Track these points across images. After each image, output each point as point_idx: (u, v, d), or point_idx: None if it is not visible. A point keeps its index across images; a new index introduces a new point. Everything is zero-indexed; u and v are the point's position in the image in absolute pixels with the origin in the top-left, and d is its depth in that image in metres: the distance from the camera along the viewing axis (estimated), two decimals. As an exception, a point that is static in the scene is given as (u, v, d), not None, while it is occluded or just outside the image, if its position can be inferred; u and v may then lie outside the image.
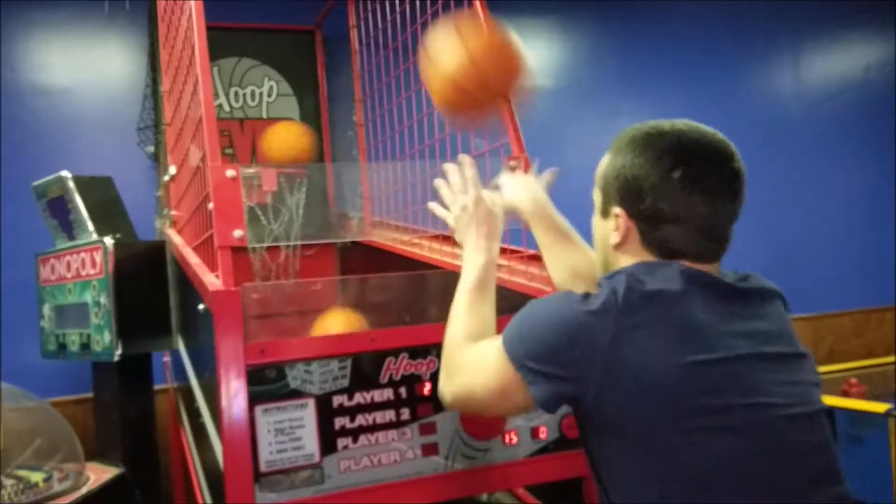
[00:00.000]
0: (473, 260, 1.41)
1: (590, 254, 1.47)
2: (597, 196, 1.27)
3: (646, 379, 1.02)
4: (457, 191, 1.50)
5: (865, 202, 4.30)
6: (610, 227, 1.21)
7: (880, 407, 2.46)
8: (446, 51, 1.55)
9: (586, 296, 1.10)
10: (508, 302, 1.68)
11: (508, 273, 1.82)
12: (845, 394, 2.78)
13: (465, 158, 1.51)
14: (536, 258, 1.74)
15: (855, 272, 4.20)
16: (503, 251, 1.88)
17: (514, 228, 1.68)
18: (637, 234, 1.17)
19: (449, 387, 1.27)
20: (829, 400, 2.67)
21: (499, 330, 1.25)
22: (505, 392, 1.15)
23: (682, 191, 1.12)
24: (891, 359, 3.74)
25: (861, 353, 4.11)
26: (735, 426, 1.02)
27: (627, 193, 1.17)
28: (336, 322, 1.85)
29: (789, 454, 1.04)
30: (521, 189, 1.61)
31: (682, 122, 1.19)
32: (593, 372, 1.05)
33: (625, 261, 1.20)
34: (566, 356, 1.07)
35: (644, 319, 1.04)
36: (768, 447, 1.03)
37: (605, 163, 1.24)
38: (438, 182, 1.55)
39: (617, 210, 1.19)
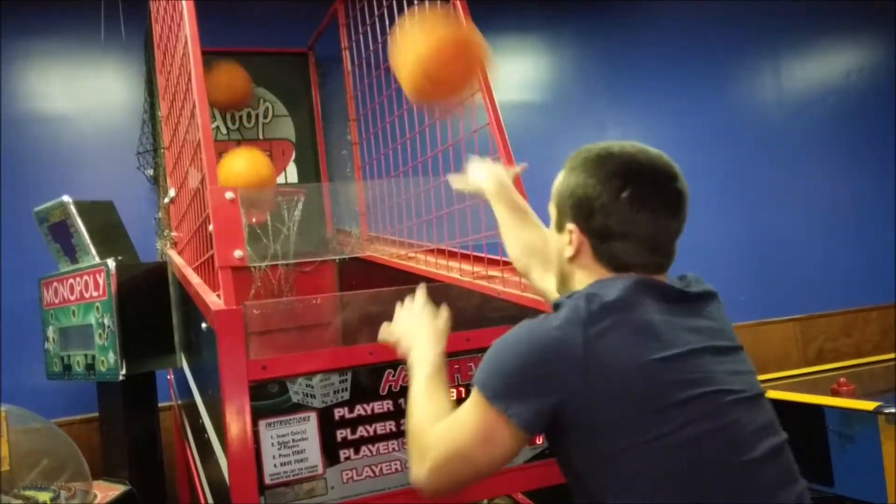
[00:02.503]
0: (423, 355, 1.43)
1: (545, 232, 1.56)
2: (552, 211, 1.34)
3: (619, 380, 1.09)
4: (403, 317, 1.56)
5: (851, 204, 4.35)
6: (564, 241, 1.28)
7: (869, 405, 2.49)
8: (413, 41, 1.67)
9: (546, 317, 1.16)
10: (505, 312, 1.73)
11: (502, 284, 1.88)
12: (835, 392, 2.81)
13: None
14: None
15: (842, 273, 4.26)
16: (496, 263, 1.94)
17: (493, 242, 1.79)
18: (589, 248, 1.25)
19: (423, 468, 1.22)
20: (820, 399, 2.71)
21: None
22: (489, 436, 1.15)
23: (629, 210, 1.20)
24: (878, 357, 3.78)
25: (850, 352, 4.16)
26: (697, 414, 1.09)
27: (579, 211, 1.25)
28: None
29: (743, 433, 1.12)
30: (486, 172, 1.73)
31: (630, 145, 1.26)
32: (573, 379, 1.10)
33: (578, 272, 1.27)
34: (542, 371, 1.12)
35: (607, 326, 1.11)
36: (726, 429, 1.10)
37: (559, 180, 1.31)
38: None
39: (570, 226, 1.26)
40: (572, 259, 1.28)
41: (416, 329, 1.50)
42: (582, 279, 1.26)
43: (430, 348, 1.44)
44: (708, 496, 1.08)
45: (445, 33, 1.69)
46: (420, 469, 1.23)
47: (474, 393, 1.18)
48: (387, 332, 1.55)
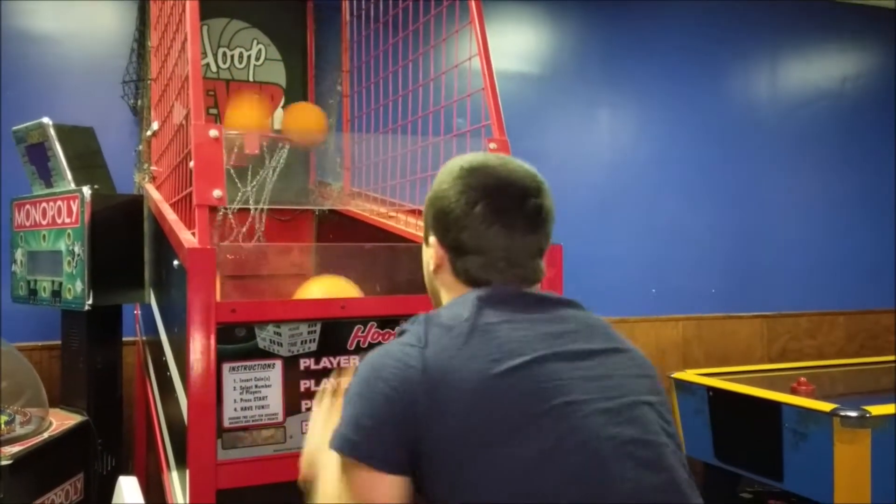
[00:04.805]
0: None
1: None
2: (423, 222, 1.30)
3: (462, 397, 1.03)
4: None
5: (831, 209, 4.38)
6: (428, 254, 1.26)
7: (826, 406, 2.54)
8: None
9: (386, 347, 1.12)
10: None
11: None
12: (794, 391, 2.86)
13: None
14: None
15: (813, 275, 4.29)
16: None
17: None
18: (448, 263, 1.22)
19: None
20: (779, 396, 2.76)
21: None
22: (365, 496, 1.05)
23: (481, 224, 1.17)
24: (840, 360, 3.85)
25: (812, 353, 4.22)
26: (544, 429, 1.02)
27: (438, 223, 1.22)
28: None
29: (602, 448, 1.03)
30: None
31: (496, 157, 1.24)
32: (420, 399, 1.04)
33: (442, 290, 1.24)
34: (392, 404, 1.05)
35: (445, 345, 1.07)
36: (579, 445, 1.03)
37: (429, 192, 1.27)
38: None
39: (432, 239, 1.24)
40: (436, 273, 1.25)
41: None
42: (445, 296, 1.24)
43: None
44: None
45: None
46: None
47: (334, 458, 1.08)
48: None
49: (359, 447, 1.05)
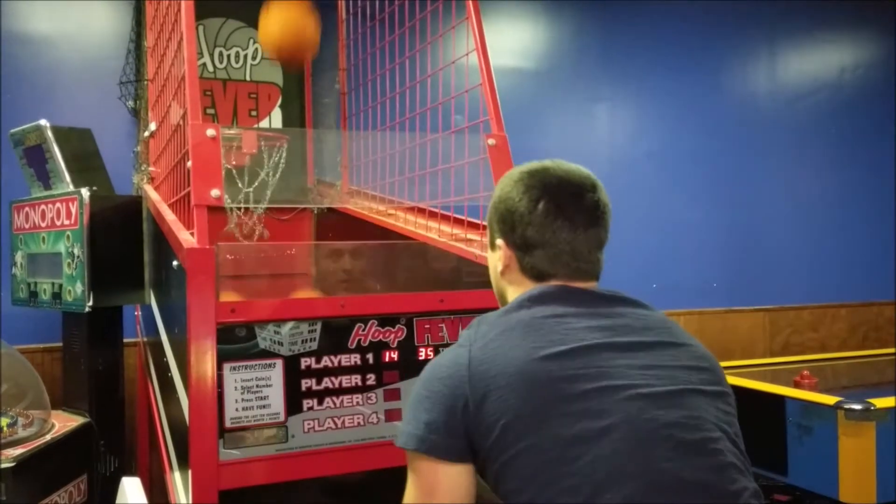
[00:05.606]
0: None
1: None
2: (487, 231, 1.40)
3: (504, 381, 1.10)
4: None
5: (832, 201, 4.38)
6: (496, 257, 1.34)
7: (830, 399, 2.53)
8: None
9: (443, 354, 1.22)
10: (481, 276, 1.72)
11: (480, 248, 1.87)
12: (798, 384, 2.85)
13: None
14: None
15: (815, 268, 4.29)
16: (475, 227, 1.92)
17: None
18: (516, 261, 1.30)
19: None
20: (782, 389, 2.75)
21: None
22: (435, 489, 1.14)
23: (545, 219, 1.26)
24: (843, 353, 3.84)
25: (815, 346, 4.21)
26: (591, 410, 1.08)
27: (504, 225, 1.31)
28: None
29: (640, 430, 1.08)
30: None
31: (550, 161, 1.34)
32: (465, 391, 1.13)
33: (509, 288, 1.32)
34: (446, 399, 1.15)
35: (494, 335, 1.17)
36: (616, 426, 1.07)
37: (491, 200, 1.37)
38: None
39: (499, 241, 1.32)
40: (503, 274, 1.32)
41: None
42: (511, 294, 1.31)
43: None
44: (606, 493, 1.03)
45: None
46: None
47: (407, 457, 1.18)
48: None
49: (421, 440, 1.14)
